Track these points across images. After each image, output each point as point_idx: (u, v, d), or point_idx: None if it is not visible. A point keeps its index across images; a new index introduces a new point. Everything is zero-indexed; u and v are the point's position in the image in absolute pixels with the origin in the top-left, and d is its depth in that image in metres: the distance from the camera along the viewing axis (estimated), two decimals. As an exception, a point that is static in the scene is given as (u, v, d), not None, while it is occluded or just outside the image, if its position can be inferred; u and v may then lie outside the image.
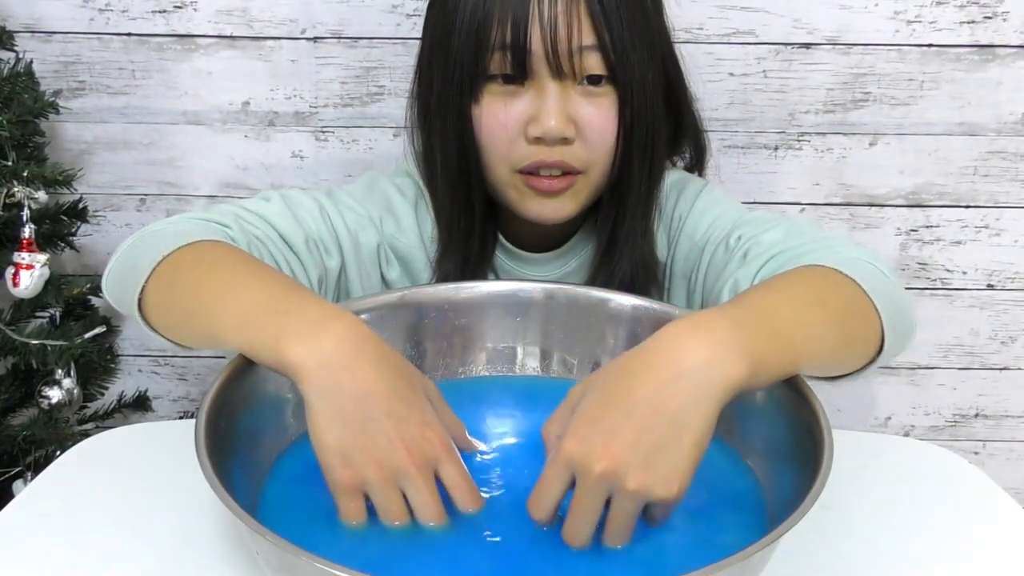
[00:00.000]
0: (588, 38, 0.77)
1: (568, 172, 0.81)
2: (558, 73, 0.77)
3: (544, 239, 0.90)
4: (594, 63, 0.78)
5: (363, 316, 0.70)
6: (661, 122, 0.85)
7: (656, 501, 0.51)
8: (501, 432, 0.67)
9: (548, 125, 0.78)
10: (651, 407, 0.51)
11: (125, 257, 0.72)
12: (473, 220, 0.86)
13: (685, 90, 0.89)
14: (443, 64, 0.81)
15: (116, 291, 0.73)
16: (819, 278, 0.65)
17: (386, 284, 0.88)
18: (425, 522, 0.55)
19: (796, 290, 0.62)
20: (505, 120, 0.80)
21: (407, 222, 0.88)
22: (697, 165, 0.96)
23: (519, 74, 0.78)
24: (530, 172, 0.81)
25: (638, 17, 0.79)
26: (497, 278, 0.89)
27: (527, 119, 0.79)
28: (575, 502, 0.52)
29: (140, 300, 0.67)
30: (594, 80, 0.79)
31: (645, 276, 0.87)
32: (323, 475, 0.55)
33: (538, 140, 0.79)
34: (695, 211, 0.88)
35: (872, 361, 0.65)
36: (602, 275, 0.87)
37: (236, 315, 0.60)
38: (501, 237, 0.90)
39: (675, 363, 0.52)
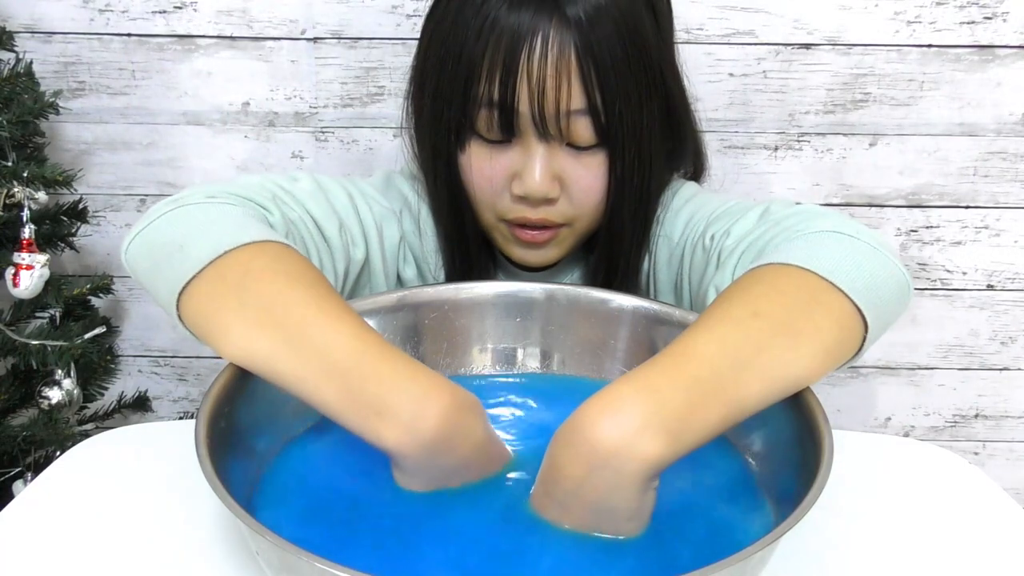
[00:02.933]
0: (578, 102, 0.73)
1: (551, 227, 0.80)
2: (544, 136, 0.75)
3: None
4: (583, 128, 0.75)
5: (364, 317, 0.70)
6: (659, 167, 0.81)
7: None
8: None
9: (531, 187, 0.76)
10: (579, 500, 0.52)
11: (163, 229, 0.64)
12: (469, 251, 0.85)
13: (688, 111, 0.86)
14: (432, 101, 0.79)
15: (145, 264, 0.64)
16: (758, 284, 0.60)
17: (401, 283, 0.87)
18: None
19: (727, 312, 0.58)
20: (490, 174, 0.78)
21: (422, 223, 0.87)
22: (695, 176, 0.94)
23: (505, 134, 0.76)
24: (515, 224, 0.80)
25: (636, 64, 0.74)
26: None
27: (512, 174, 0.78)
28: None
29: (183, 290, 0.60)
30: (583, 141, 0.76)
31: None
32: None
33: (521, 199, 0.78)
34: (671, 212, 0.85)
35: (865, 338, 0.60)
36: None
37: (323, 361, 0.54)
38: (500, 257, 0.89)
39: (589, 456, 0.51)
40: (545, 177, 0.76)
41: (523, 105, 0.74)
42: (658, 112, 0.79)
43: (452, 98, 0.76)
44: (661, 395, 0.51)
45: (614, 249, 0.84)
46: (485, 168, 0.78)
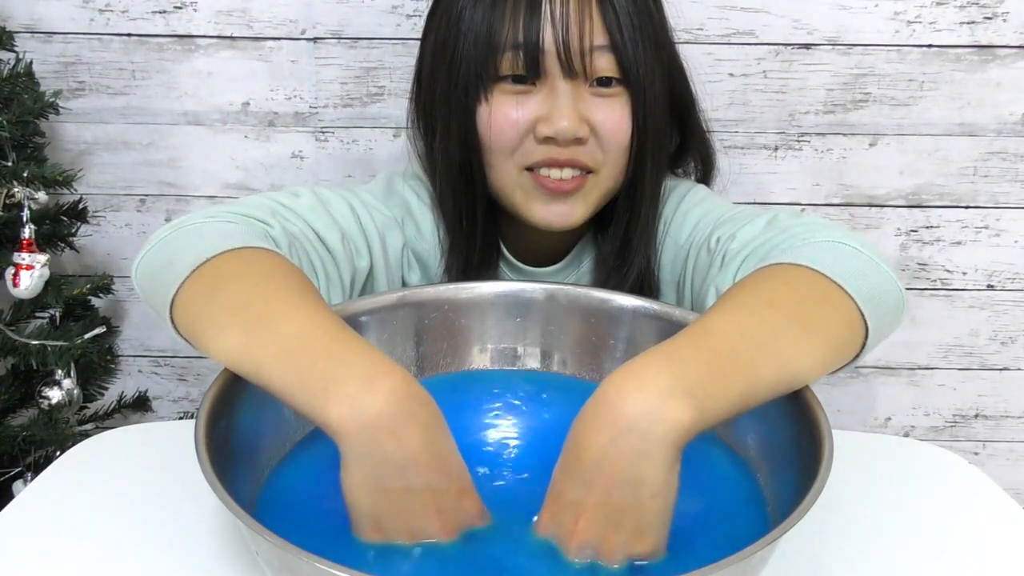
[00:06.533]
0: (600, 38, 0.77)
1: (579, 172, 0.80)
2: (570, 72, 0.77)
3: (544, 251, 0.89)
4: (606, 64, 0.78)
5: (363, 317, 0.70)
6: (667, 128, 0.85)
7: (638, 557, 0.52)
8: (502, 427, 0.67)
9: (561, 125, 0.77)
10: (604, 472, 0.50)
11: (161, 250, 0.67)
12: (475, 223, 0.85)
13: (692, 101, 0.89)
14: (448, 67, 0.80)
15: (147, 284, 0.68)
16: (771, 278, 0.62)
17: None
18: None
19: (742, 299, 0.60)
20: (516, 118, 0.79)
21: (425, 226, 0.88)
22: (704, 179, 0.94)
23: (531, 73, 0.78)
24: (539, 171, 0.80)
25: (647, 23, 0.80)
26: None
27: (537, 119, 0.79)
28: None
29: (172, 301, 0.62)
30: (605, 82, 0.79)
31: (648, 283, 0.86)
32: (351, 528, 0.54)
33: (548, 140, 0.78)
34: (679, 214, 0.87)
35: (864, 344, 0.62)
36: (614, 279, 0.86)
37: (278, 346, 0.55)
38: (504, 250, 0.89)
39: (615, 421, 0.50)
40: (573, 116, 0.78)
41: (548, 43, 0.77)
42: (665, 76, 0.82)
43: (473, 51, 0.78)
44: (684, 364, 0.52)
45: (635, 211, 0.84)
46: (511, 113, 0.79)
